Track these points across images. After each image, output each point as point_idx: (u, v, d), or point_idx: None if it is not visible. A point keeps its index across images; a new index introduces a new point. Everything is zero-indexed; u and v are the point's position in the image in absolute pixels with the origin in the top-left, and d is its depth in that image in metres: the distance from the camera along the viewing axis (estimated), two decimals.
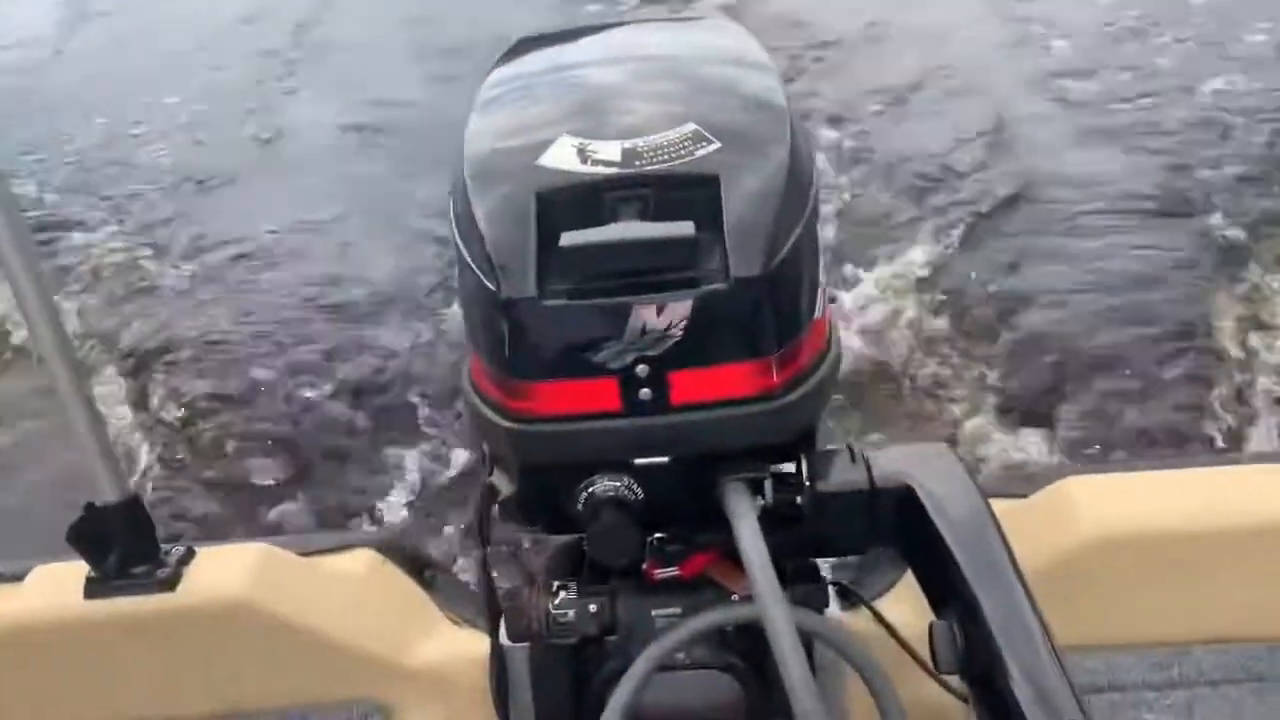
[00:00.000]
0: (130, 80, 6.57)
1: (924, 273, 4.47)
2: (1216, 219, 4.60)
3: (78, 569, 1.50)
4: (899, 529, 1.05)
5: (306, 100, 6.23)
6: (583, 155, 1.07)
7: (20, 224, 1.37)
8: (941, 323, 4.23)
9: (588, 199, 1.04)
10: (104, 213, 5.31)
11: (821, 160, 4.67)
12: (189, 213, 5.25)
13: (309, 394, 4.04)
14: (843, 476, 1.06)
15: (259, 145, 5.82)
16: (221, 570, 1.51)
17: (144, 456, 3.83)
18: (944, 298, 4.33)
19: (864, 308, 4.29)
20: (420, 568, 1.73)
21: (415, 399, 3.99)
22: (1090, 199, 4.80)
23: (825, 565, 1.21)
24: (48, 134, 6.06)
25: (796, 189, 1.06)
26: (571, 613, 1.11)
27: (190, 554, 1.52)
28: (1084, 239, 4.59)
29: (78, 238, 5.09)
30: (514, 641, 1.16)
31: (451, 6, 6.86)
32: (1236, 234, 4.51)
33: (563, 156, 1.07)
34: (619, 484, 1.02)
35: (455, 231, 1.10)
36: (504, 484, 1.11)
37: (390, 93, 6.10)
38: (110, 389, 4.09)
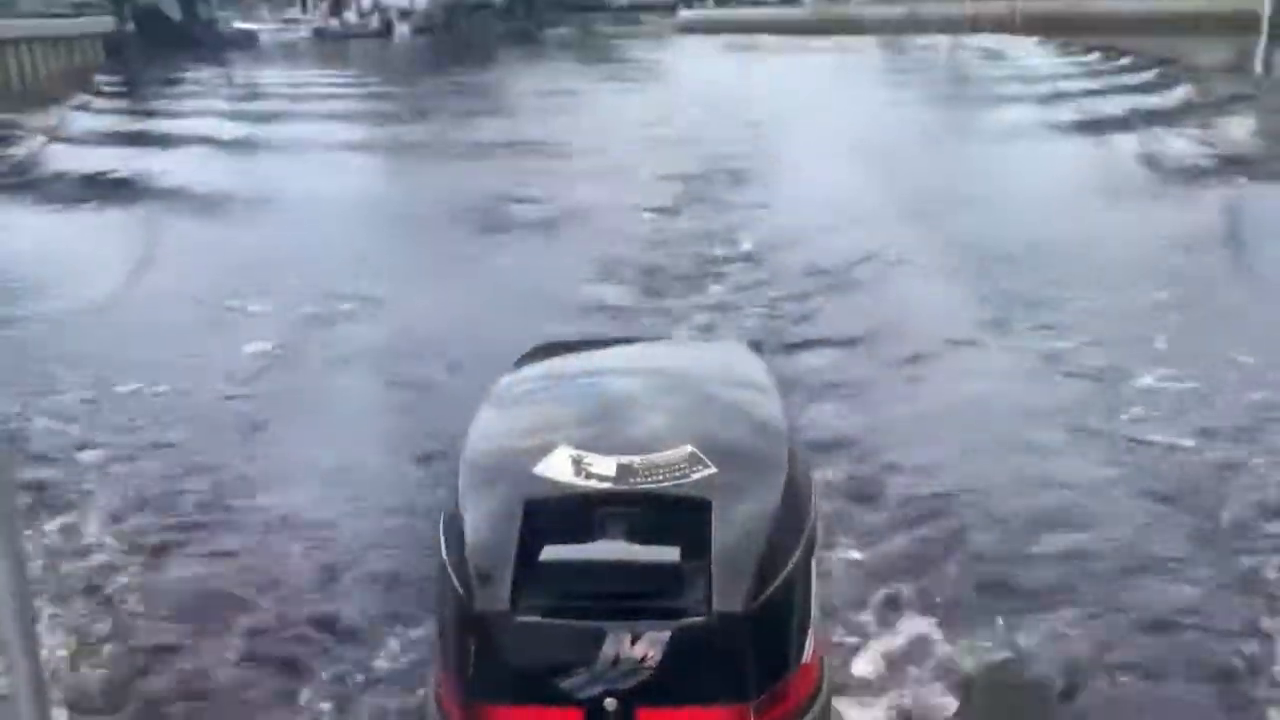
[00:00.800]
0: None
1: None
2: None
3: None
4: None
5: None
6: (578, 467, 1.05)
7: None
8: None
9: (576, 512, 1.01)
10: None
11: None
12: None
13: None
14: None
15: None
16: None
17: None
18: None
19: None
20: None
21: None
22: None
23: None
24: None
25: (791, 521, 1.02)
26: None
27: None
28: None
29: None
30: None
31: None
32: None
33: (558, 466, 1.05)
34: None
35: (440, 528, 1.07)
36: None
37: None
38: None
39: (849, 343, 5.34)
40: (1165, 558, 3.29)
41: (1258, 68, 19.98)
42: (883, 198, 8.86)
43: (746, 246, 7.49)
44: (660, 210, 8.76)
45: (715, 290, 6.44)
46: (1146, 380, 4.65)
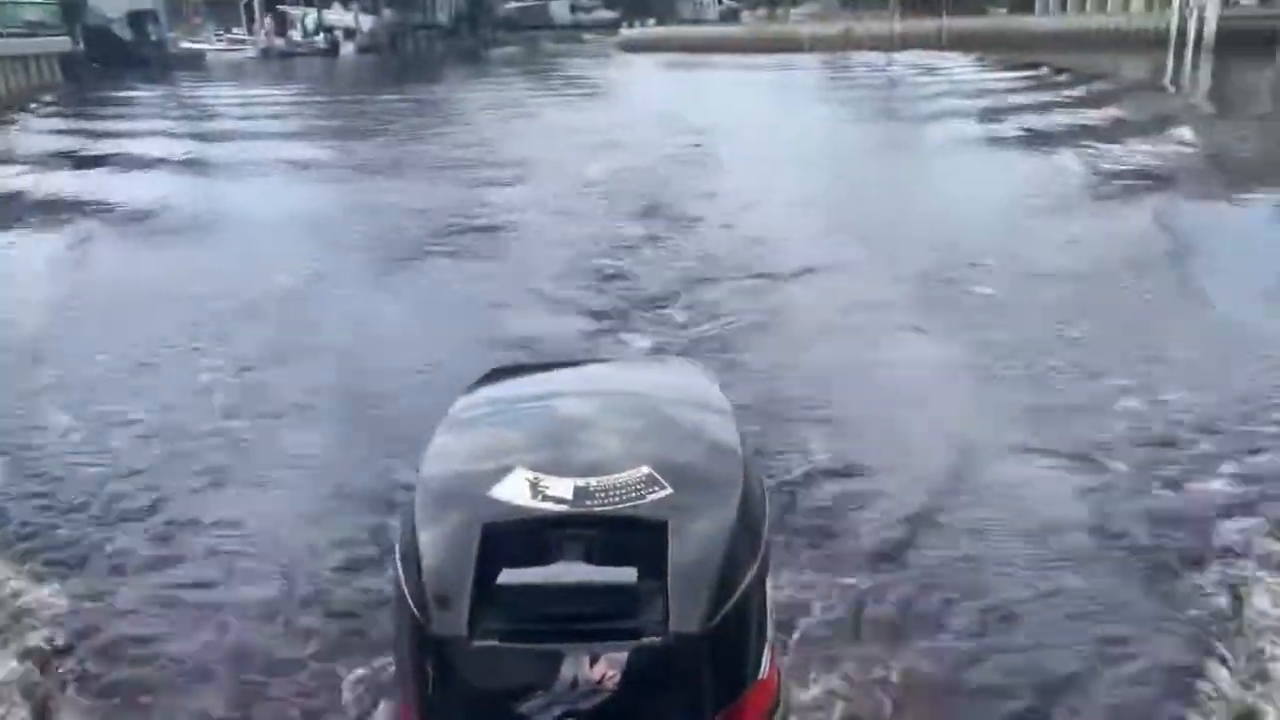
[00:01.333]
0: None
1: None
2: None
3: None
4: None
5: None
6: (535, 489, 1.06)
7: None
8: None
9: (533, 535, 1.03)
10: None
11: None
12: None
13: None
14: None
15: None
16: None
17: None
18: None
19: None
20: None
21: None
22: None
23: None
24: None
25: (746, 540, 1.05)
26: None
27: None
28: None
29: None
30: None
31: None
32: None
33: (515, 489, 1.06)
34: None
35: (397, 554, 1.08)
36: None
37: None
38: None
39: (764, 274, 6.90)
40: None
41: (1168, 85, 20.99)
42: (813, 190, 9.83)
43: (690, 220, 8.55)
44: (608, 194, 9.74)
45: (663, 251, 7.61)
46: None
